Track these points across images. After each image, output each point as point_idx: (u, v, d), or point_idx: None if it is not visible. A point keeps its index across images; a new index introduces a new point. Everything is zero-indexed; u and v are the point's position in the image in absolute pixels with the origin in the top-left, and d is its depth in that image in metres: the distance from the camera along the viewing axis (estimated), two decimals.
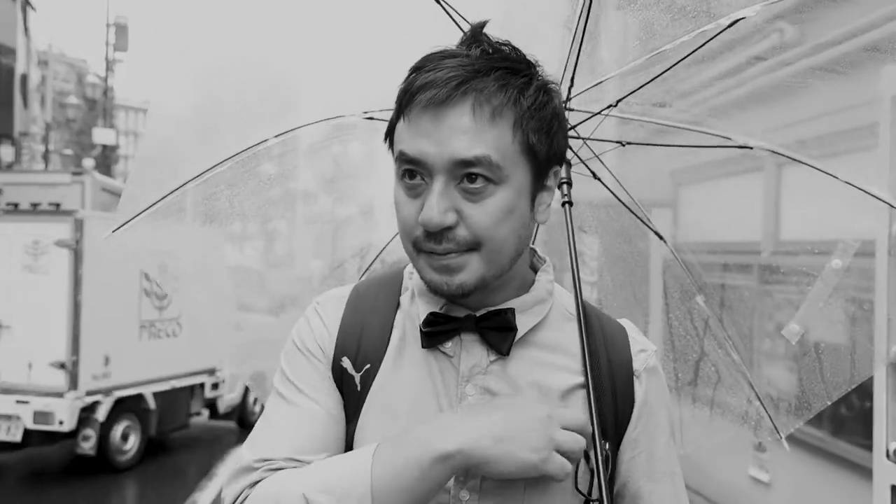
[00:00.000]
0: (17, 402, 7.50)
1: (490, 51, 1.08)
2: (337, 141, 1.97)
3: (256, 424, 1.19)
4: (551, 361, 1.19)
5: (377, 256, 1.99)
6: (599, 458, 1.11)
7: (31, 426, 7.52)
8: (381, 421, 1.14)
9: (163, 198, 1.74)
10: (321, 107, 1.80)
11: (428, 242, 1.07)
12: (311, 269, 2.12)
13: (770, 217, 5.14)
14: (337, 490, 1.00)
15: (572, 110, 1.64)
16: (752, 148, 1.73)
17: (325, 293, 1.31)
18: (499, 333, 1.14)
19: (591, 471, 1.13)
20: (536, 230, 1.68)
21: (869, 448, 4.84)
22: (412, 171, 1.07)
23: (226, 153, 1.75)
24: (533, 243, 1.28)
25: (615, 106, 1.69)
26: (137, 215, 1.74)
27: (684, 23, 1.55)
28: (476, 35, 1.10)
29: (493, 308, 1.16)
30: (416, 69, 1.08)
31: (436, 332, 1.16)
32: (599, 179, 1.83)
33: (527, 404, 1.08)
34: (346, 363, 1.19)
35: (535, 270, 1.26)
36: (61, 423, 7.47)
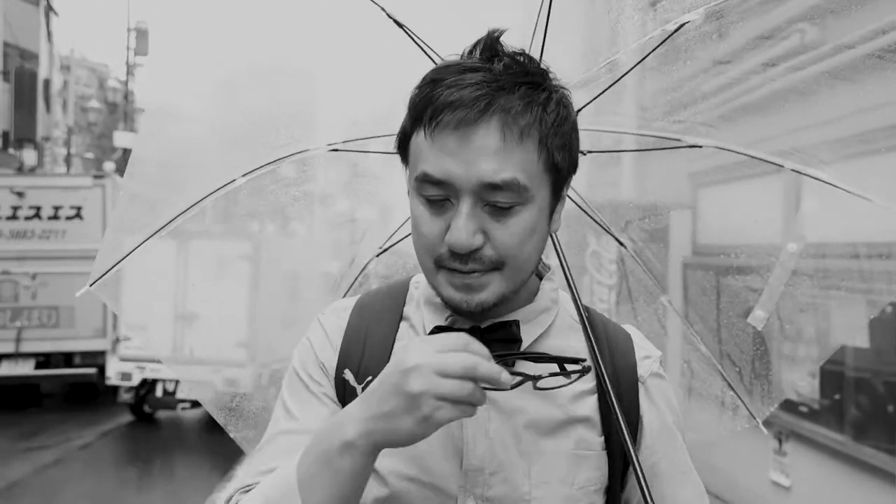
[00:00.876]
0: (211, 371, 9.55)
1: (509, 63, 1.05)
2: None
3: (260, 442, 1.21)
4: (557, 369, 1.18)
5: (366, 266, 1.96)
6: (636, 461, 1.11)
7: (221, 389, 9.36)
8: None
9: (125, 255, 1.69)
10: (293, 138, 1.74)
11: (453, 262, 1.06)
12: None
13: (791, 219, 5.08)
14: (271, 496, 1.02)
15: None
16: (701, 147, 1.70)
17: (330, 305, 1.30)
18: (503, 345, 1.13)
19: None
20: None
21: (892, 452, 4.80)
22: (436, 189, 1.05)
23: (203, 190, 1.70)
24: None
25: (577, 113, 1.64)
26: (115, 265, 1.67)
27: (634, 31, 1.50)
28: (493, 46, 1.07)
29: (497, 320, 1.15)
30: (434, 81, 1.04)
31: None
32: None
33: (398, 365, 0.95)
34: (349, 375, 1.18)
35: (541, 277, 1.25)
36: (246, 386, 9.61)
